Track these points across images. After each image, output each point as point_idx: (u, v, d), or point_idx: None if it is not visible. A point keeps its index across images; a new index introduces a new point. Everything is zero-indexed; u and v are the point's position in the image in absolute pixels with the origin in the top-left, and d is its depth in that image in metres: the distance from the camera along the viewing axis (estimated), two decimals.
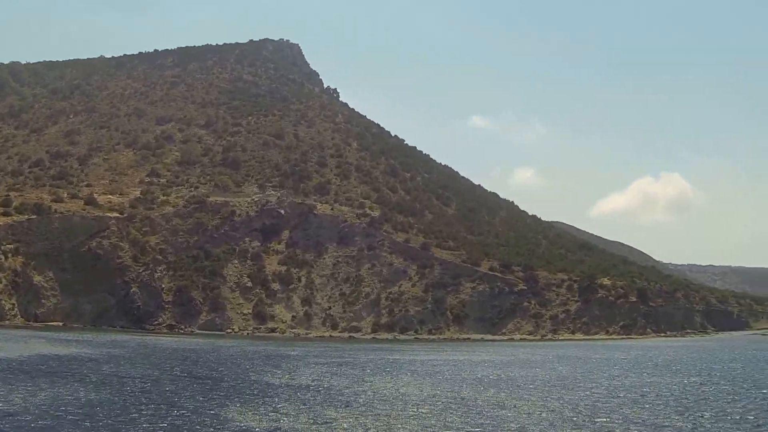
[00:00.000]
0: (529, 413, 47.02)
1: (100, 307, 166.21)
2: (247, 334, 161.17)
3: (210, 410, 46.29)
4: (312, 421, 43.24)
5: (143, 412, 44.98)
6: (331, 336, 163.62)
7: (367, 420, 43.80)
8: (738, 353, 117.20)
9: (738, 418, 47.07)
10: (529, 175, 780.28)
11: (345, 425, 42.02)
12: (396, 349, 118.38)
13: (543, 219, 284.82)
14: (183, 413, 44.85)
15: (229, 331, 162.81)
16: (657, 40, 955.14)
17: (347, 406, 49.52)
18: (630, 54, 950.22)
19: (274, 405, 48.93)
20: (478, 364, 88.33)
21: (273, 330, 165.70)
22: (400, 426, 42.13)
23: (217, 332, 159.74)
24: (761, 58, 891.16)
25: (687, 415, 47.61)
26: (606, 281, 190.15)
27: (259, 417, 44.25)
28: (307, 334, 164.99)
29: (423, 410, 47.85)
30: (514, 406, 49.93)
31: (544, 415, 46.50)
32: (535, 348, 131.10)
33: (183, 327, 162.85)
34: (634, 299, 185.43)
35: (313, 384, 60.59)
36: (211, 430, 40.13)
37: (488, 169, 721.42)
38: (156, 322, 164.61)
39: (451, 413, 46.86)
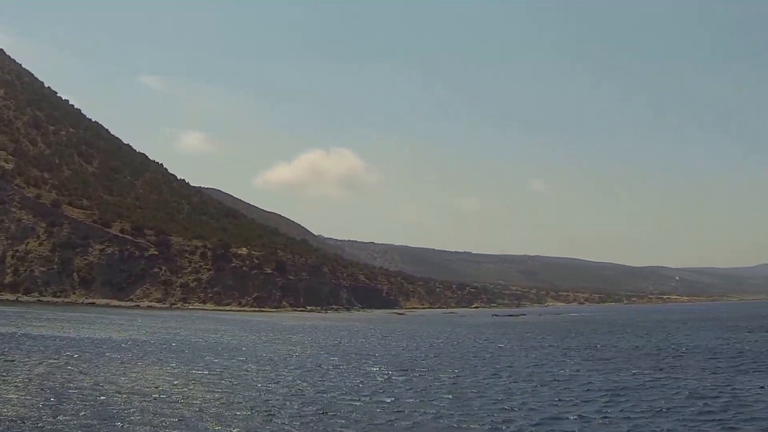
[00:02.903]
0: None
1: None
2: None
3: None
4: None
5: None
6: None
7: None
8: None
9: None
10: (198, 140, 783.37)
11: None
12: None
13: (192, 184, 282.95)
14: None
15: None
16: (350, 12, 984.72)
17: None
18: (317, 22, 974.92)
19: None
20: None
21: None
22: None
23: None
24: (446, 40, 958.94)
25: None
26: (242, 251, 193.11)
27: None
28: None
29: None
30: None
31: None
32: (135, 318, 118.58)
33: None
34: (270, 271, 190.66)
35: None
36: None
37: (155, 130, 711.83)
38: None
39: None
